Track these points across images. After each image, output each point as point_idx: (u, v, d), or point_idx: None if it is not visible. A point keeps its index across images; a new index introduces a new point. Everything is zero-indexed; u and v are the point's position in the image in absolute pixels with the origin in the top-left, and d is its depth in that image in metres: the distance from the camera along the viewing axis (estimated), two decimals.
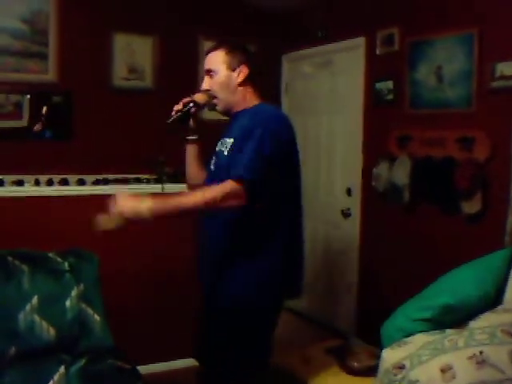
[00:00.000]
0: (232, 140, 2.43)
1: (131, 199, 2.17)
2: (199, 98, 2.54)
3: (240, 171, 2.23)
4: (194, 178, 2.69)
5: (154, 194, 2.28)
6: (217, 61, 2.50)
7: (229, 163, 2.34)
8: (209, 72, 2.52)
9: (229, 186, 2.21)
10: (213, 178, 2.45)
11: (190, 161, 2.67)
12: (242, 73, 2.49)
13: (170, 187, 3.45)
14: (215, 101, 2.53)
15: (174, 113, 2.52)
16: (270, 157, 2.27)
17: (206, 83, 2.53)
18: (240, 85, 2.51)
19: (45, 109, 4.58)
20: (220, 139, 2.56)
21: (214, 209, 2.25)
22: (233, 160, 2.32)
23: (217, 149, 2.55)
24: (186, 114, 2.53)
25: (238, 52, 2.52)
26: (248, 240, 2.37)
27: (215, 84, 2.50)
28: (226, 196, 2.19)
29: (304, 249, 2.55)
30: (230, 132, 2.50)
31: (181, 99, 2.55)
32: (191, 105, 2.53)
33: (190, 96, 2.56)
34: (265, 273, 2.36)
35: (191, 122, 2.60)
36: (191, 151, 2.66)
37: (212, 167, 2.55)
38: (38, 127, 4.57)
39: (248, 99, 2.54)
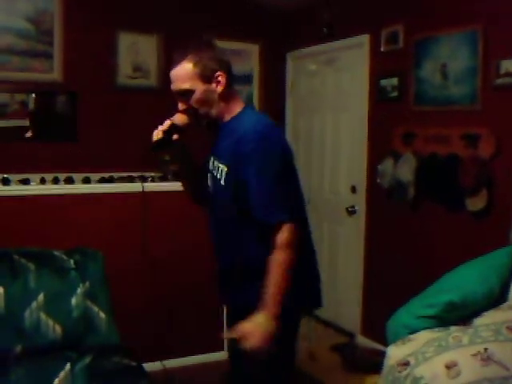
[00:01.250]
0: (226, 168, 2.17)
1: (249, 329, 2.03)
2: (179, 119, 2.23)
3: (275, 217, 2.06)
4: (197, 193, 2.46)
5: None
6: (186, 77, 2.16)
7: (229, 195, 2.17)
8: (181, 93, 2.19)
9: (283, 237, 2.05)
10: (213, 205, 2.31)
11: (187, 183, 2.46)
12: (219, 82, 2.18)
13: (174, 185, 3.47)
14: (198, 118, 2.23)
15: (154, 136, 2.25)
16: (279, 175, 2.11)
17: (182, 105, 2.22)
18: (220, 94, 2.19)
19: (31, 108, 4.59)
20: (211, 153, 2.31)
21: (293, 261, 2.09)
22: (244, 198, 2.10)
23: (210, 167, 2.31)
24: (167, 141, 2.23)
25: (207, 57, 2.18)
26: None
27: (194, 103, 2.19)
28: (290, 243, 2.06)
29: (317, 259, 2.37)
30: (220, 151, 2.24)
31: (161, 123, 2.27)
32: (168, 129, 2.23)
33: (170, 118, 2.26)
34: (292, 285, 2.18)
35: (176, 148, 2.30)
36: (184, 175, 2.45)
37: (210, 189, 2.31)
38: (29, 133, 4.58)
39: (231, 106, 2.24)
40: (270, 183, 2.06)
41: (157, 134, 2.23)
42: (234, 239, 2.25)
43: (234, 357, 2.45)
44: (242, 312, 2.15)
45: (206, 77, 2.16)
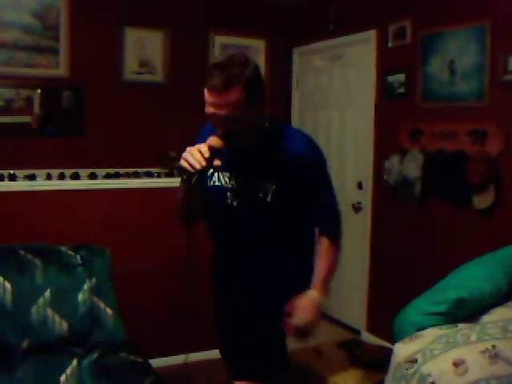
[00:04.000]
0: (272, 185, 2.13)
1: (304, 303, 2.17)
2: (217, 142, 2.03)
3: (336, 227, 2.30)
4: (196, 216, 2.36)
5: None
6: (236, 104, 1.98)
7: (277, 211, 2.16)
8: (226, 119, 2.00)
9: (338, 233, 2.30)
10: (238, 223, 2.24)
11: (187, 194, 2.23)
12: (263, 104, 2.10)
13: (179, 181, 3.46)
14: (235, 140, 2.08)
15: (196, 165, 1.97)
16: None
17: (222, 130, 2.04)
18: (259, 115, 2.12)
19: (37, 103, 4.59)
20: (224, 167, 2.14)
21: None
22: (304, 207, 2.21)
23: (224, 183, 2.22)
24: (208, 169, 2.02)
25: (252, 80, 2.02)
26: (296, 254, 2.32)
27: (237, 129, 2.04)
28: (341, 239, 2.31)
29: None
30: (251, 168, 2.17)
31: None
32: (210, 156, 2.00)
33: (206, 143, 2.02)
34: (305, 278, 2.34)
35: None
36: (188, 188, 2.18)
37: (234, 207, 2.22)
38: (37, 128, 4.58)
39: (263, 125, 2.18)
40: (333, 190, 2.32)
41: (199, 163, 1.96)
42: (269, 255, 2.25)
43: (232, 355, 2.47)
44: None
45: (254, 100, 2.03)
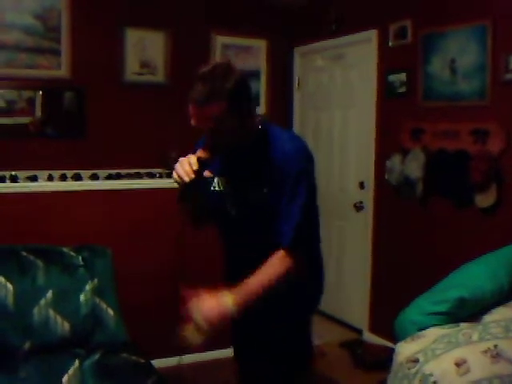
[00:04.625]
0: (264, 190, 2.12)
1: (212, 302, 2.02)
2: (205, 154, 2.05)
3: (290, 243, 2.10)
4: (202, 220, 2.35)
5: None
6: (218, 116, 1.97)
7: (272, 212, 2.12)
8: (213, 129, 2.01)
9: (289, 261, 2.09)
10: (239, 229, 2.24)
11: (194, 204, 2.22)
12: (244, 110, 2.05)
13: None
14: (222, 149, 2.10)
15: (185, 177, 1.98)
16: (310, 202, 2.15)
17: (208, 141, 2.07)
18: (244, 122, 2.07)
19: (39, 104, 4.59)
20: (221, 171, 2.20)
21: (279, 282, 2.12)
22: (276, 220, 2.12)
23: (227, 188, 2.22)
24: (197, 181, 2.00)
25: (233, 88, 1.98)
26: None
27: (224, 139, 2.06)
28: (289, 268, 2.09)
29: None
30: (244, 174, 2.18)
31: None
32: (199, 168, 2.01)
33: (193, 155, 2.03)
34: (313, 291, 2.35)
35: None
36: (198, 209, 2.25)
37: (232, 212, 2.22)
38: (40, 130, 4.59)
39: (251, 127, 2.14)
40: (300, 212, 2.09)
41: (188, 175, 1.97)
42: (265, 257, 2.18)
43: (243, 358, 2.44)
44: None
45: (238, 111, 2.01)
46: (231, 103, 1.97)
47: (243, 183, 2.17)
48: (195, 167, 1.97)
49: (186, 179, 1.96)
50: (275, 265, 2.08)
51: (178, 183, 2.02)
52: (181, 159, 2.02)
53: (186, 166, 1.98)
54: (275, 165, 2.09)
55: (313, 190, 2.18)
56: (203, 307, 2.01)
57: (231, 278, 2.38)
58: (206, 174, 2.03)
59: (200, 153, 2.04)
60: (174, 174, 2.01)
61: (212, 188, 2.25)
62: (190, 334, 1.98)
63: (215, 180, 2.24)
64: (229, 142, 2.07)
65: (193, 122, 2.02)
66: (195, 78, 2.01)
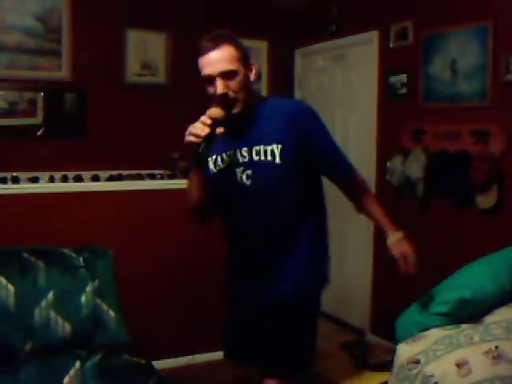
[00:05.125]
0: (278, 146, 2.18)
1: (401, 245, 2.57)
2: (217, 113, 2.08)
3: (350, 167, 2.46)
4: (206, 204, 2.33)
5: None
6: (232, 59, 2.13)
7: (289, 171, 2.22)
8: (226, 74, 2.12)
9: (364, 182, 2.58)
10: (253, 200, 2.26)
11: (203, 185, 2.26)
12: (252, 70, 2.23)
13: (182, 182, 3.47)
14: (234, 107, 2.16)
15: (192, 138, 2.04)
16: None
17: (222, 86, 2.12)
18: (252, 82, 2.24)
19: (41, 106, 4.59)
20: (224, 147, 2.25)
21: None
22: (320, 161, 2.35)
23: (232, 161, 2.26)
24: (212, 136, 2.05)
25: (242, 44, 2.23)
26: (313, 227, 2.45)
27: (235, 86, 2.14)
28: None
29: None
30: (257, 135, 2.21)
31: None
32: (212, 124, 2.06)
33: (206, 114, 2.09)
34: (323, 260, 2.51)
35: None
36: (200, 173, 2.25)
37: (246, 180, 2.25)
38: (40, 132, 4.60)
39: (256, 94, 2.35)
40: (338, 145, 2.39)
41: (202, 130, 2.03)
42: (287, 235, 2.30)
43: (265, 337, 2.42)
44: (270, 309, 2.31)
45: (246, 62, 2.19)
46: (240, 49, 2.18)
47: (254, 145, 2.22)
48: (209, 122, 2.03)
49: (202, 134, 2.01)
50: (371, 195, 2.60)
51: (194, 145, 2.05)
52: (190, 126, 2.08)
53: (199, 124, 2.04)
54: (288, 119, 2.20)
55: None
56: (406, 252, 2.51)
57: (242, 265, 2.42)
58: (219, 130, 2.06)
59: (210, 111, 2.08)
60: (188, 138, 2.06)
61: (217, 168, 2.28)
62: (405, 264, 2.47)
63: (218, 159, 2.28)
64: (241, 90, 2.16)
65: (206, 70, 2.13)
66: (201, 41, 2.17)
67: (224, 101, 2.11)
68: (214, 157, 2.28)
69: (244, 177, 2.25)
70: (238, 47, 2.18)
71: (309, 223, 2.37)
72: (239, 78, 2.15)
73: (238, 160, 2.25)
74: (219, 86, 2.12)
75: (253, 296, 2.39)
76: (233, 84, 2.13)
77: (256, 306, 2.39)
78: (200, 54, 2.15)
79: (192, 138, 2.04)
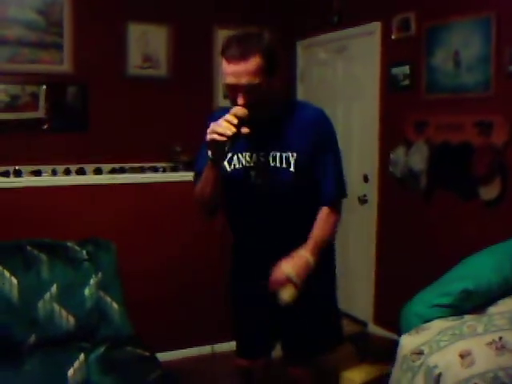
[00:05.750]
0: (293, 154, 2.22)
1: (295, 261, 2.21)
2: (242, 112, 2.08)
3: (335, 197, 2.34)
4: (217, 199, 2.36)
5: None
6: (257, 71, 2.08)
7: (298, 181, 2.25)
8: (249, 88, 2.10)
9: (335, 214, 2.34)
10: (262, 200, 2.29)
11: (216, 182, 2.26)
12: (279, 76, 2.19)
13: (185, 175, 3.47)
14: (257, 111, 2.15)
15: (217, 136, 2.03)
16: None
17: (243, 100, 2.10)
18: (278, 88, 2.23)
19: (43, 99, 4.59)
20: (242, 148, 2.24)
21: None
22: (313, 179, 2.30)
23: (245, 163, 2.28)
24: (237, 136, 2.05)
25: (270, 47, 2.14)
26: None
27: (257, 97, 2.11)
28: (340, 213, 2.37)
29: None
30: (272, 142, 2.25)
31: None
32: (238, 123, 2.06)
33: (231, 113, 2.09)
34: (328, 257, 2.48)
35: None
36: (217, 170, 2.24)
37: (259, 183, 2.28)
38: (47, 126, 4.60)
39: (281, 100, 2.33)
40: (341, 165, 2.36)
41: (229, 129, 2.02)
42: (293, 230, 2.32)
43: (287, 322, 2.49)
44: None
45: (272, 71, 2.15)
46: (267, 59, 2.10)
47: (271, 150, 2.25)
48: (235, 121, 2.03)
49: (229, 133, 2.02)
50: (328, 219, 2.31)
51: (217, 145, 2.06)
52: (213, 123, 2.07)
53: (224, 123, 2.04)
54: (307, 128, 2.24)
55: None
56: (292, 266, 2.18)
57: (249, 260, 2.45)
58: (244, 130, 2.06)
59: (235, 110, 2.08)
60: (212, 136, 2.05)
61: (232, 167, 2.29)
62: (288, 293, 2.18)
63: (234, 158, 2.29)
64: (264, 99, 2.14)
65: (229, 79, 2.10)
66: (227, 41, 2.12)
67: (249, 105, 2.11)
68: (229, 155, 2.27)
69: (257, 179, 2.29)
70: (267, 55, 2.11)
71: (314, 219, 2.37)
72: (262, 89, 2.12)
73: (254, 163, 2.28)
74: (240, 99, 2.11)
75: (266, 290, 2.41)
76: (254, 95, 2.11)
77: (270, 299, 2.40)
78: (225, 56, 2.10)
79: (217, 137, 2.04)
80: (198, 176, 2.34)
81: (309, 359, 2.53)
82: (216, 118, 2.13)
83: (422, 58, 4.04)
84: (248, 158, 2.28)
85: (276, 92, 2.22)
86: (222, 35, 5.16)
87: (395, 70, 4.30)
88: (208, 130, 2.07)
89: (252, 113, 2.10)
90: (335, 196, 2.33)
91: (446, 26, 3.84)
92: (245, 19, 5.18)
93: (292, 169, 2.23)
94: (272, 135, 2.26)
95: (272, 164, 2.25)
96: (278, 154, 2.24)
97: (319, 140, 2.27)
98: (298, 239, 2.28)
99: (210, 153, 2.13)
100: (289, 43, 5.47)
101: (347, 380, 3.28)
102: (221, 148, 2.06)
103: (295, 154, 2.23)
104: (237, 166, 2.30)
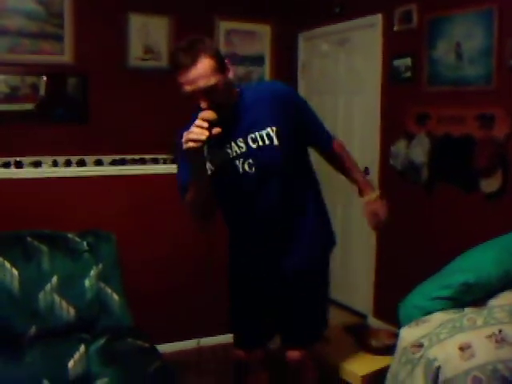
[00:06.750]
0: (275, 128, 2.25)
1: (374, 205, 2.61)
2: (210, 115, 2.07)
3: (330, 134, 2.56)
4: (212, 206, 2.39)
5: None
6: (211, 72, 2.10)
7: (287, 151, 2.28)
8: (208, 90, 2.10)
9: (342, 145, 2.62)
10: (255, 178, 2.30)
11: (208, 187, 2.26)
12: (228, 68, 2.20)
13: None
14: (222, 109, 2.14)
15: (192, 143, 2.03)
16: None
17: (205, 104, 2.11)
18: (232, 79, 2.24)
19: (43, 90, 4.59)
20: (220, 142, 2.23)
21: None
22: (307, 139, 2.45)
23: (231, 154, 2.28)
24: (209, 139, 2.06)
25: (215, 48, 2.19)
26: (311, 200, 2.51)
27: (218, 96, 2.13)
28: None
29: None
30: (251, 123, 2.26)
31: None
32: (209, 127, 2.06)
33: (200, 117, 2.08)
34: (327, 229, 2.66)
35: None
36: (205, 177, 2.23)
37: (249, 170, 2.29)
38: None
39: (236, 89, 2.31)
40: (316, 114, 2.49)
41: (202, 133, 2.02)
42: (290, 207, 2.40)
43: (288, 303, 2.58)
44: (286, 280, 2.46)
45: (223, 66, 2.17)
46: (216, 58, 2.13)
47: (250, 132, 2.27)
48: (205, 125, 2.03)
49: (203, 137, 2.02)
50: (347, 154, 2.60)
51: (194, 150, 2.05)
52: (185, 132, 2.07)
53: (196, 129, 2.03)
54: (274, 101, 2.27)
55: None
56: (376, 209, 2.59)
57: (247, 250, 2.52)
58: (215, 130, 2.05)
59: (203, 115, 2.07)
60: (188, 144, 2.04)
61: (214, 165, 2.28)
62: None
63: (213, 157, 2.26)
64: (225, 97, 2.17)
65: (186, 88, 2.10)
66: (173, 54, 2.16)
67: (214, 106, 2.11)
68: (209, 157, 2.25)
69: (246, 167, 2.29)
70: (214, 55, 2.14)
71: (311, 196, 2.49)
72: (220, 87, 2.13)
73: (235, 152, 2.28)
74: (203, 104, 2.11)
75: (266, 272, 2.49)
76: (215, 95, 2.12)
77: (269, 281, 2.51)
78: (176, 68, 2.12)
79: (193, 144, 2.03)
80: (183, 189, 2.34)
81: (307, 340, 2.64)
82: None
83: (423, 51, 4.03)
84: (229, 150, 2.29)
85: (232, 85, 2.24)
86: (223, 27, 5.15)
87: (397, 62, 4.29)
88: (183, 141, 2.06)
89: (218, 112, 2.09)
90: (332, 136, 2.54)
91: (448, 18, 3.82)
92: (246, 10, 5.17)
93: (276, 142, 2.26)
94: (242, 120, 2.27)
95: (254, 146, 2.27)
96: (258, 134, 2.26)
97: (290, 106, 2.32)
98: (294, 217, 2.39)
99: (190, 163, 2.14)
100: (290, 35, 5.45)
101: (349, 372, 3.28)
102: (199, 154, 2.08)
103: (274, 128, 2.26)
104: (217, 162, 2.28)
